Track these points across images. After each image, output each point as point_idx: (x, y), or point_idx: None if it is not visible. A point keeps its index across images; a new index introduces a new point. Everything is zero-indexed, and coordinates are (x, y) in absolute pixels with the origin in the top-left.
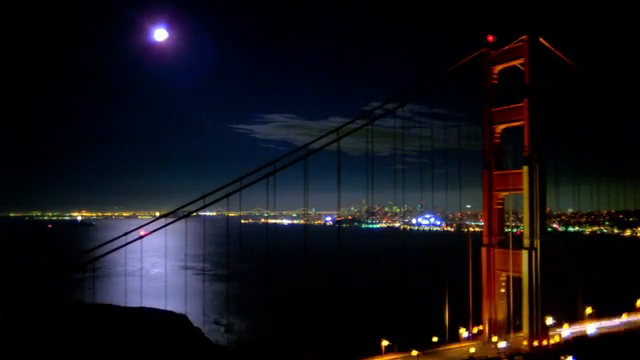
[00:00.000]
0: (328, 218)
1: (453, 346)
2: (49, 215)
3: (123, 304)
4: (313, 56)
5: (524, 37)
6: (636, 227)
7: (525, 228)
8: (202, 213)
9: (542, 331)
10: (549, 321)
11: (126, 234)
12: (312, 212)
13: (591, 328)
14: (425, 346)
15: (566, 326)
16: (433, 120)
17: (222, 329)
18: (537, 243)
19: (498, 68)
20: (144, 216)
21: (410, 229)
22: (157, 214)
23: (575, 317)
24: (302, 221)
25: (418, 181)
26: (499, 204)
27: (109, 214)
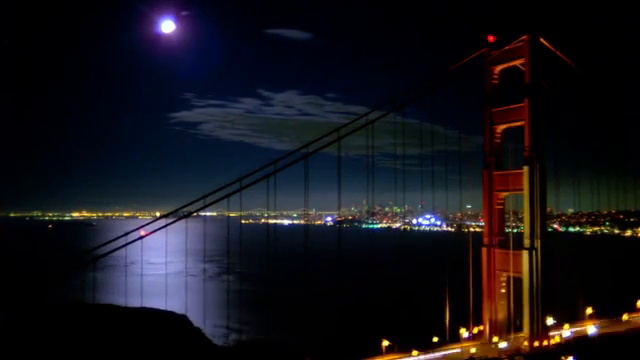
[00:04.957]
0: (328, 218)
1: (453, 346)
2: (49, 215)
3: (123, 304)
4: (313, 56)
5: (524, 37)
6: (637, 227)
7: (525, 228)
8: (203, 213)
9: (543, 331)
10: (550, 321)
11: (126, 234)
12: (312, 212)
13: (592, 328)
14: (425, 346)
15: (567, 326)
16: (433, 120)
17: (222, 329)
18: (537, 243)
19: (498, 68)
20: (144, 216)
21: (410, 229)
22: (157, 214)
23: (576, 317)
24: (302, 221)
25: (418, 181)
26: (499, 204)
27: (109, 214)
